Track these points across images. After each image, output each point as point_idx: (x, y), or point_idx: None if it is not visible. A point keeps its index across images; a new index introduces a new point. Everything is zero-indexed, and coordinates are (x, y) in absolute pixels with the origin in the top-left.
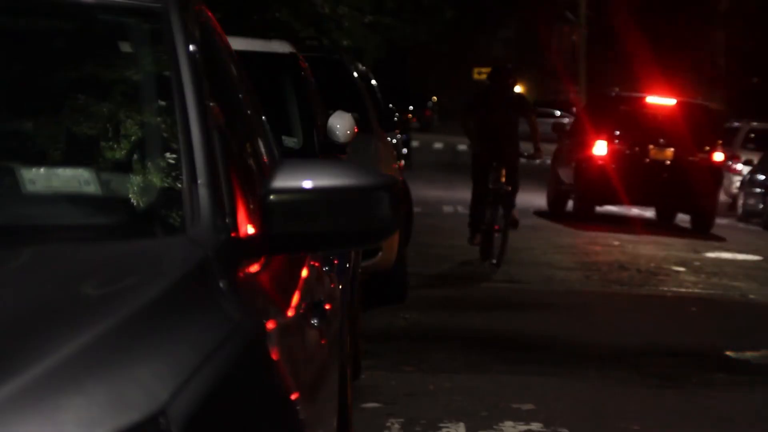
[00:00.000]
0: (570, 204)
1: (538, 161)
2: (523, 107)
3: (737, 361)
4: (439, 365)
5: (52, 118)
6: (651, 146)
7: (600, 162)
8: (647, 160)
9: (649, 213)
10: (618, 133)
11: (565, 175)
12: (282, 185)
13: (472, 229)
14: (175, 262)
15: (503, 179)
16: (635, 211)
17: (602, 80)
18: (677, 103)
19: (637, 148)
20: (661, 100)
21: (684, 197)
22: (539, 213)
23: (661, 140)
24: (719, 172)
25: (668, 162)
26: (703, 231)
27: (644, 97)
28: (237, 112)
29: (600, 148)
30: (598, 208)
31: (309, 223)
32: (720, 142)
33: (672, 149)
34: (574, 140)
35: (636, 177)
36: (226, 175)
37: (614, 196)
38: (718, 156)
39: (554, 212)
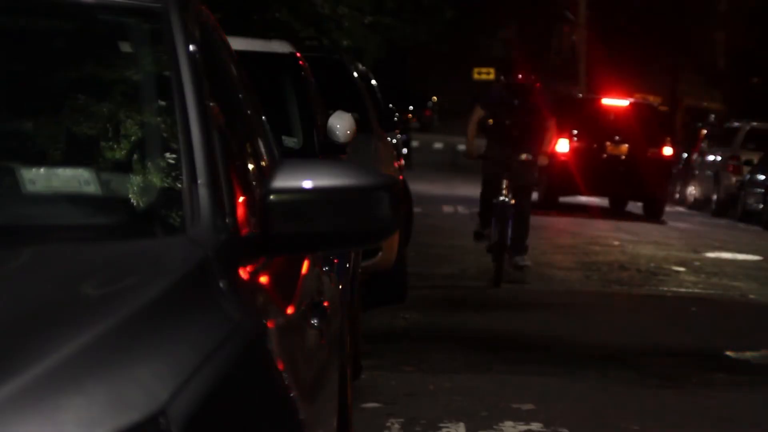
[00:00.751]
0: (533, 195)
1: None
2: (541, 110)
3: (737, 361)
4: (439, 365)
5: (52, 118)
6: (608, 143)
7: (563, 158)
8: (605, 155)
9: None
10: (578, 131)
11: None
12: (282, 185)
13: (482, 221)
14: (175, 262)
15: (505, 191)
16: (594, 200)
17: (601, 80)
18: (630, 104)
19: (595, 145)
20: (616, 102)
21: (638, 188)
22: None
23: (617, 137)
24: (668, 165)
25: (623, 157)
26: (654, 217)
27: (601, 99)
28: (237, 112)
29: (562, 145)
30: (561, 198)
31: (309, 223)
32: (669, 138)
33: (626, 145)
34: None
35: (595, 170)
36: (226, 175)
37: (576, 187)
38: (667, 150)
39: None
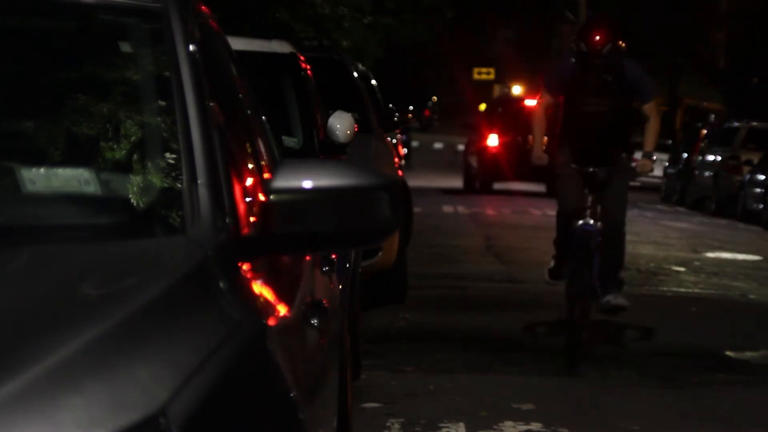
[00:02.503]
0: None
1: (641, 175)
2: (639, 88)
3: (737, 361)
4: (439, 365)
5: (52, 118)
6: (530, 136)
7: (493, 150)
8: (528, 146)
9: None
10: (504, 127)
11: (473, 161)
12: (282, 185)
13: (560, 254)
14: (175, 262)
15: (590, 210)
16: (524, 186)
17: None
18: None
19: (519, 138)
20: (534, 101)
21: None
22: (455, 191)
23: None
24: None
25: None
26: None
27: (523, 99)
28: (237, 112)
29: (493, 139)
30: (496, 185)
31: (309, 223)
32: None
33: (546, 137)
34: (477, 134)
35: (519, 159)
36: (226, 175)
37: (505, 174)
38: None
39: (467, 189)
